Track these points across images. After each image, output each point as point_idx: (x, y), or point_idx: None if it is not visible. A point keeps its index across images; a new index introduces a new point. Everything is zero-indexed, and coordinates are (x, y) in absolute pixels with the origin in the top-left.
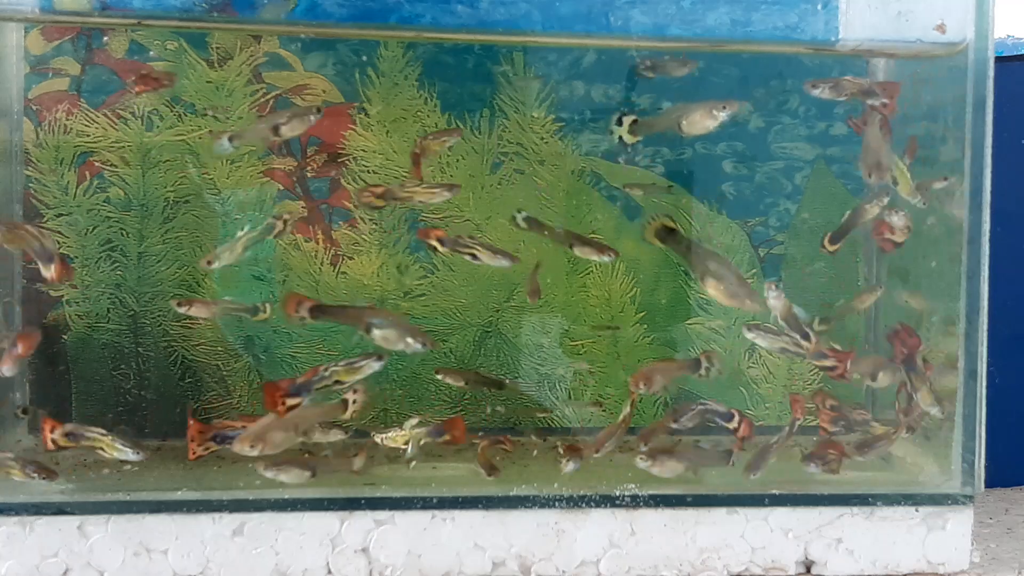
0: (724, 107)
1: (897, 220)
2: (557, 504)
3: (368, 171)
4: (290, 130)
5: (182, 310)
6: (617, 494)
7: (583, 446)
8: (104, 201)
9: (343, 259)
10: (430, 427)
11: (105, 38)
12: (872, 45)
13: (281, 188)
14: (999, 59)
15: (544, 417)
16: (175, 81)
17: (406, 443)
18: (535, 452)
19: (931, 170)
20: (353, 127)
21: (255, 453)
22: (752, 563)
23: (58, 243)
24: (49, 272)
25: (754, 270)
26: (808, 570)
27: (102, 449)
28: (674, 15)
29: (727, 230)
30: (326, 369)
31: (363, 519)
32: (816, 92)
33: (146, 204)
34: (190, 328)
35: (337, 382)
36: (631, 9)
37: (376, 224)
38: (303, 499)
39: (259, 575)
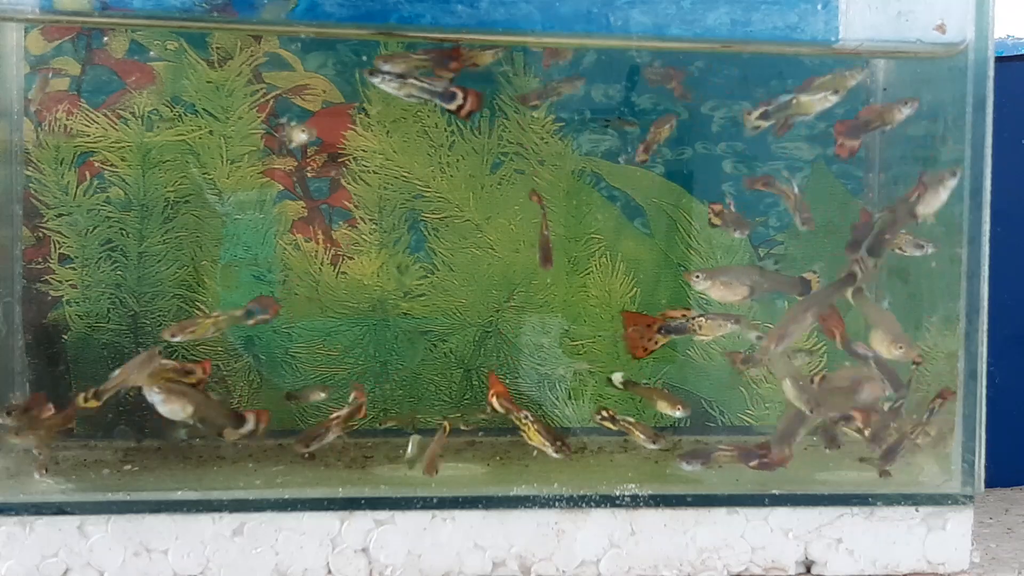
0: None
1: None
2: (557, 504)
3: (368, 171)
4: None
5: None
6: (617, 494)
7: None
8: (104, 201)
9: (343, 259)
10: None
11: (105, 38)
12: (872, 45)
13: (281, 188)
14: (999, 59)
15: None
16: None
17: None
18: (535, 452)
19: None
20: (353, 127)
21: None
22: (752, 563)
23: (58, 243)
24: None
25: None
26: (808, 570)
27: None
28: (674, 15)
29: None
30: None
31: (363, 519)
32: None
33: (146, 204)
34: None
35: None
36: (631, 9)
37: (376, 224)
38: (303, 499)
39: (259, 575)
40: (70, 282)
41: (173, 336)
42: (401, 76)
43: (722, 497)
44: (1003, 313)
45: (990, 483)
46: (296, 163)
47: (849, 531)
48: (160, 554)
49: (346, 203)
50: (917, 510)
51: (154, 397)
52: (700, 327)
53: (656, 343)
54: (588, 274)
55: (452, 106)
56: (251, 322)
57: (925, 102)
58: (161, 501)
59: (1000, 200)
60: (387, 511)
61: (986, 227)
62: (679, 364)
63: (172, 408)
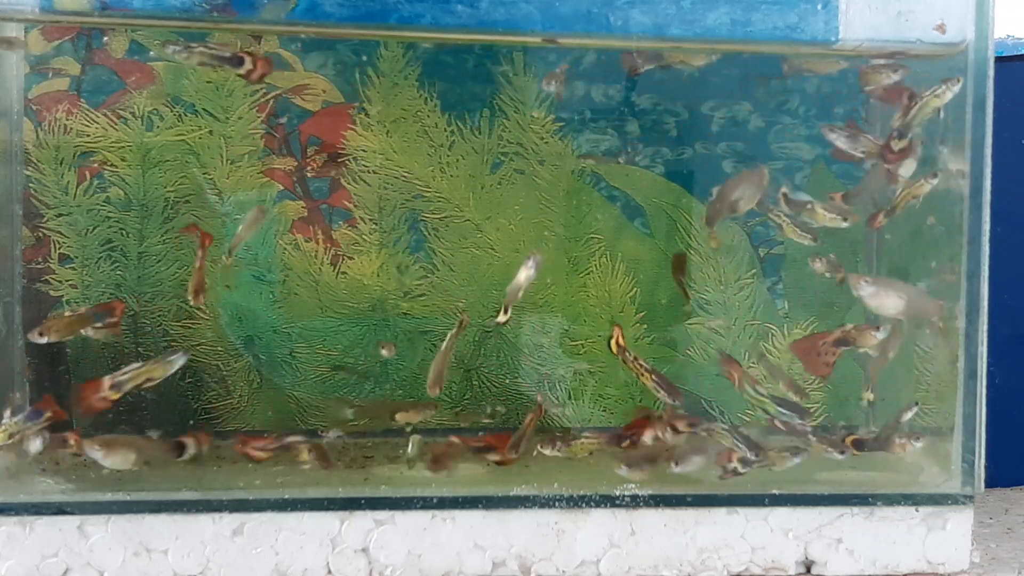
0: None
1: None
2: (557, 504)
3: (368, 171)
4: None
5: None
6: (617, 494)
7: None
8: (104, 201)
9: (343, 259)
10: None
11: (105, 38)
12: (872, 45)
13: (281, 188)
14: (999, 59)
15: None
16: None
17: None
18: (535, 452)
19: (930, 170)
20: (353, 127)
21: None
22: (752, 563)
23: (58, 243)
24: None
25: (754, 270)
26: (808, 570)
27: None
28: (674, 15)
29: (727, 230)
30: None
31: (363, 519)
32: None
33: (146, 204)
34: (190, 328)
35: None
36: (631, 9)
37: (376, 224)
38: (303, 499)
39: (259, 575)
40: (70, 282)
41: (41, 336)
42: (189, 46)
43: (722, 497)
44: (1003, 313)
45: (990, 483)
46: (296, 163)
47: (849, 531)
48: (160, 554)
49: (346, 203)
50: (917, 510)
51: (95, 453)
52: (854, 338)
53: (836, 354)
54: (588, 274)
55: (242, 70)
56: (99, 325)
57: None
58: (161, 501)
59: (1000, 200)
60: (387, 511)
61: (986, 227)
62: (679, 364)
63: (115, 460)
